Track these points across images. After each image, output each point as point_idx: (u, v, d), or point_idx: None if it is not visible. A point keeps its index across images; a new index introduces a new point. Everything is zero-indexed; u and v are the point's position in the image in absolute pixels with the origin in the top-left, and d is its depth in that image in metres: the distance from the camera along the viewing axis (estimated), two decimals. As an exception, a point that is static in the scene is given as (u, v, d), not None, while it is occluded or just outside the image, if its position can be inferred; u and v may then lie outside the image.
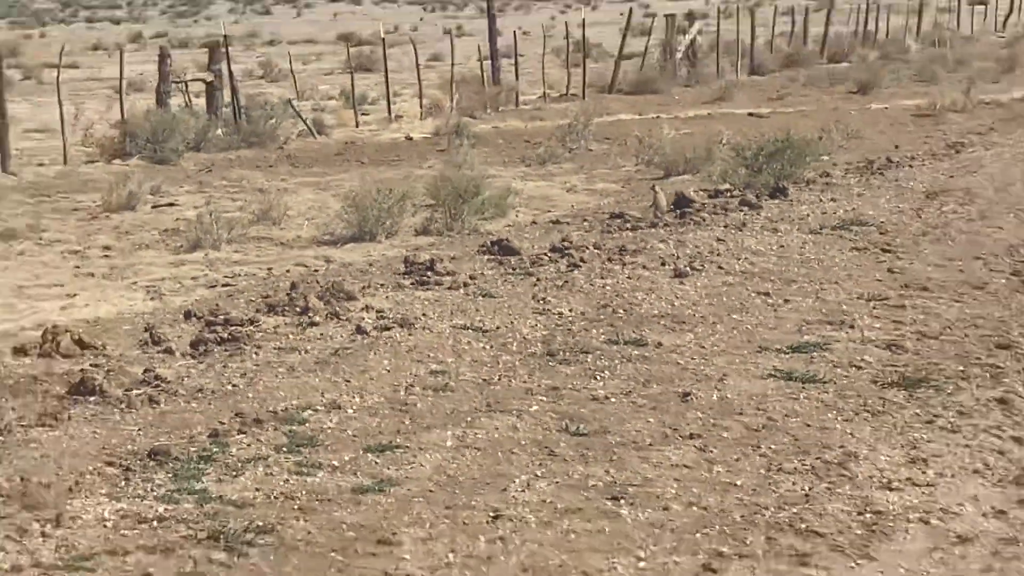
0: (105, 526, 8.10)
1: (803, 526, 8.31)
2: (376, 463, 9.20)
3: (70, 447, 9.48)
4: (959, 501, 8.92)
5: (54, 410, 10.15)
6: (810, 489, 9.00)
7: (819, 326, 12.98)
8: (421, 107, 32.47)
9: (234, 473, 8.98)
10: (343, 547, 7.90)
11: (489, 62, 35.71)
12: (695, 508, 8.63)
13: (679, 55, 39.88)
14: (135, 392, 10.52)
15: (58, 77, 28.29)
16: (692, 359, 11.75)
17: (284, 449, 9.45)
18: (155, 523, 7.90)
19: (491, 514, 8.41)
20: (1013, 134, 26.19)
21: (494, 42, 36.18)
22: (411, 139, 28.36)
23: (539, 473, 9.12)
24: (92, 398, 10.32)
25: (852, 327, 12.98)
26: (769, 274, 15.00)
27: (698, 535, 8.19)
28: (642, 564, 7.65)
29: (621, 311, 13.31)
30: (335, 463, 9.19)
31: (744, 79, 40.40)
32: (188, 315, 13.05)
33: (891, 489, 9.04)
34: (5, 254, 18.05)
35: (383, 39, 35.12)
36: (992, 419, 10.47)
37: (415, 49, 35.61)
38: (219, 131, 27.38)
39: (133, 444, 9.49)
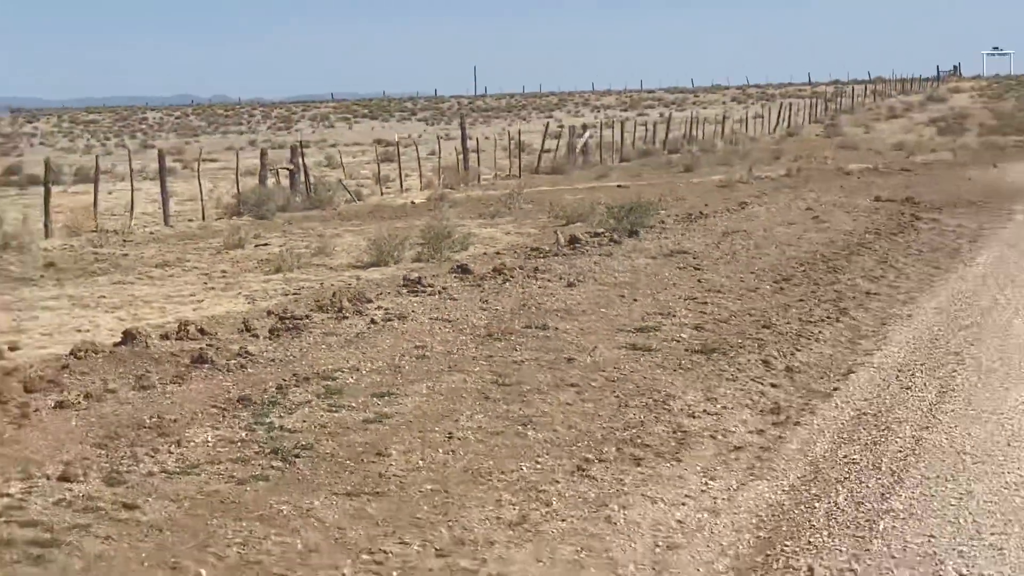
0: (207, 445, 9.63)
1: (640, 440, 10.12)
2: (378, 404, 10.90)
3: (190, 396, 11.09)
4: (735, 424, 10.82)
5: (182, 373, 11.91)
6: (644, 418, 10.79)
7: (655, 316, 15.43)
8: (420, 183, 40.29)
9: (290, 411, 10.59)
10: (355, 456, 9.43)
11: (462, 156, 45.16)
12: (573, 430, 10.32)
13: (577, 150, 51.16)
14: (232, 361, 12.38)
15: (199, 167, 36.20)
16: (576, 337, 14.02)
17: (321, 396, 11.10)
18: (239, 443, 9.70)
19: (447, 435, 10.03)
20: (777, 197, 31.13)
21: (465, 143, 46.27)
22: (414, 203, 34.05)
23: (478, 409, 10.83)
24: (206, 366, 12.18)
25: (674, 316, 15.43)
26: (625, 284, 17.75)
27: (574, 447, 9.86)
28: (538, 465, 9.42)
29: (533, 308, 15.64)
30: (353, 404, 10.86)
31: (616, 165, 50.70)
32: (269, 313, 15.18)
33: (694, 417, 10.93)
34: (161, 276, 20.87)
35: (397, 143, 45.37)
36: (757, 372, 12.76)
37: (416, 151, 47.61)
38: (297, 199, 33.28)
39: (229, 394, 11.09)
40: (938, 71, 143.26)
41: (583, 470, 9.56)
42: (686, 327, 14.71)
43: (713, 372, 12.75)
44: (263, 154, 34.87)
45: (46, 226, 25.74)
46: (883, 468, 9.38)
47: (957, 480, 9.20)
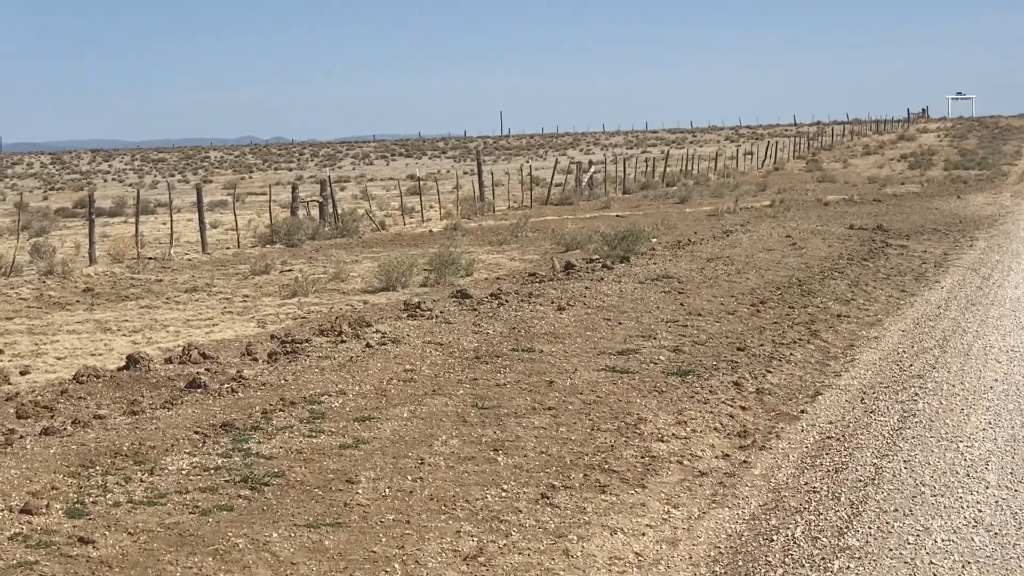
0: (180, 473, 8.59)
1: (607, 466, 9.06)
2: (357, 428, 9.86)
3: (176, 422, 10.05)
4: (702, 448, 9.75)
5: (176, 397, 10.93)
6: (615, 442, 9.73)
7: (636, 338, 14.37)
8: (440, 214, 39.09)
9: (270, 437, 9.56)
10: (324, 484, 8.42)
11: (478, 189, 44.09)
12: (544, 455, 9.29)
13: (583, 183, 49.95)
14: (226, 386, 11.35)
15: (234, 200, 36.08)
16: (559, 359, 12.97)
17: (304, 420, 10.08)
18: (212, 471, 8.66)
19: (419, 461, 8.99)
20: (760, 226, 29.74)
21: (481, 178, 45.17)
22: (432, 232, 33.04)
23: (454, 434, 9.80)
24: (199, 390, 11.17)
25: (654, 338, 14.37)
26: (612, 308, 16.68)
27: (542, 473, 8.82)
28: (504, 493, 8.39)
29: (522, 331, 14.61)
30: (333, 429, 9.84)
31: (619, 196, 49.17)
32: (273, 337, 14.17)
33: (663, 441, 9.86)
34: (187, 301, 19.86)
35: (418, 179, 45.47)
36: (729, 395, 11.65)
37: (436, 185, 47.16)
38: (326, 229, 32.15)
39: (215, 419, 10.04)
40: (908, 113, 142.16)
41: (547, 498, 8.54)
42: (665, 349, 13.61)
43: (686, 395, 11.66)
44: (294, 188, 33.88)
45: (90, 254, 24.73)
46: (842, 499, 8.27)
47: (915, 515, 8.06)
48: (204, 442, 9.52)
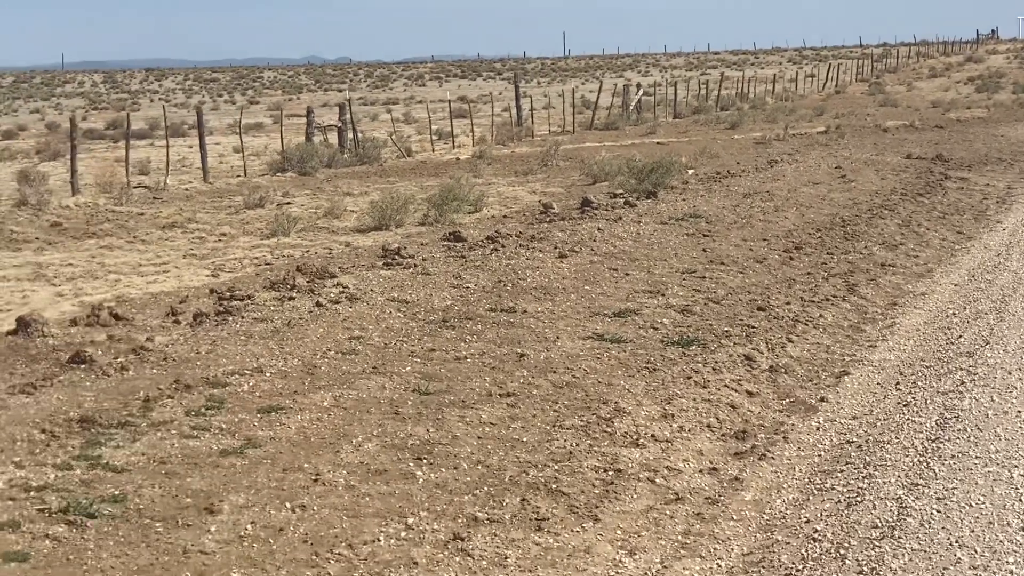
0: None
1: (556, 486, 6.99)
2: (255, 424, 7.88)
3: (25, 414, 8.07)
4: (685, 457, 7.62)
5: (49, 376, 8.94)
6: (576, 446, 7.67)
7: (641, 295, 12.22)
8: (473, 140, 36.29)
9: (136, 438, 7.55)
10: (172, 515, 6.44)
11: (516, 113, 41.21)
12: (480, 467, 7.24)
13: (631, 107, 46.69)
14: (119, 360, 9.28)
15: (240, 124, 34.74)
16: (542, 323, 10.92)
17: (193, 412, 8.05)
18: (34, 492, 6.69)
19: (312, 477, 7.00)
20: (809, 155, 27.25)
21: (519, 101, 42.22)
22: (459, 159, 30.53)
23: (375, 433, 7.75)
24: (82, 366, 9.12)
25: (663, 294, 12.22)
26: (623, 254, 14.46)
27: (468, 497, 6.77)
28: (406, 531, 6.37)
29: (510, 285, 12.50)
30: (224, 425, 7.83)
31: (668, 121, 45.76)
32: (212, 291, 12.15)
33: (637, 445, 7.74)
34: (156, 239, 17.55)
35: (470, 101, 41.74)
36: (736, 374, 9.52)
37: (483, 108, 44.92)
38: (344, 155, 29.58)
39: (79, 410, 8.00)
40: (977, 34, 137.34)
41: (461, 539, 6.39)
42: (671, 309, 11.45)
43: (682, 374, 9.52)
44: (309, 112, 31.53)
45: (72, 184, 22.68)
46: (848, 561, 6.03)
47: (944, 604, 5.77)
48: (48, 445, 7.54)
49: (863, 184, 22.05)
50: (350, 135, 31.18)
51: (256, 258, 15.13)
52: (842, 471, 7.32)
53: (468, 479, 7.09)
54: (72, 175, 22.68)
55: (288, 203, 21.23)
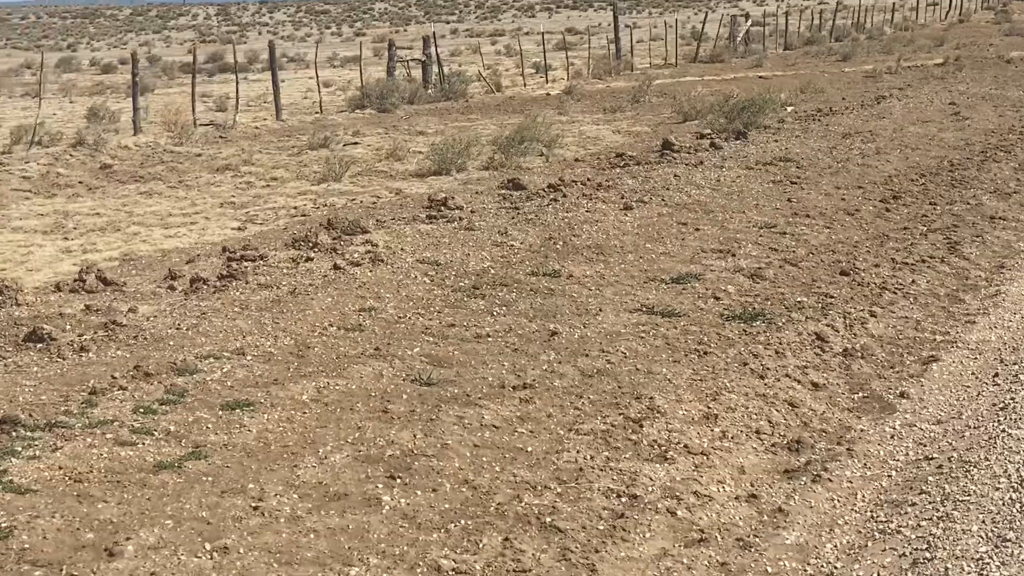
0: None
1: (550, 519, 5.65)
2: (209, 427, 6.67)
3: None
4: (721, 477, 6.21)
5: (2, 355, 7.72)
6: (588, 462, 6.33)
7: (709, 255, 10.85)
8: (568, 74, 34.54)
9: (57, 446, 6.35)
10: (56, 562, 5.20)
11: (615, 45, 38.80)
12: (464, 488, 5.96)
13: (738, 39, 44.34)
14: (83, 337, 8.16)
15: (316, 60, 33.43)
16: (587, 290, 9.58)
17: (143, 409, 6.88)
18: None
19: (253, 504, 5.75)
20: (922, 89, 25.21)
21: (617, 32, 39.58)
22: (548, 95, 28.89)
23: (350, 440, 6.52)
24: (38, 346, 8.00)
25: (734, 254, 10.83)
26: (697, 205, 13.04)
27: (437, 535, 5.49)
28: None
29: (560, 243, 11.14)
30: (171, 427, 6.66)
31: (777, 54, 43.37)
32: (224, 250, 10.94)
33: (666, 459, 6.37)
34: (204, 184, 16.33)
35: (577, 32, 40.12)
36: (803, 358, 8.11)
37: (571, 42, 42.56)
38: (429, 91, 28.15)
39: (6, 406, 6.89)
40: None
41: (399, 599, 4.69)
42: (740, 274, 9.98)
43: (738, 359, 8.02)
44: (391, 45, 29.91)
45: (134, 122, 21.58)
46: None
47: None
48: (-48, 454, 6.00)
49: (978, 122, 20.14)
50: (435, 69, 29.16)
51: (295, 208, 13.83)
52: (914, 504, 5.79)
53: (446, 506, 5.78)
54: (135, 113, 21.56)
55: (356, 143, 19.87)
